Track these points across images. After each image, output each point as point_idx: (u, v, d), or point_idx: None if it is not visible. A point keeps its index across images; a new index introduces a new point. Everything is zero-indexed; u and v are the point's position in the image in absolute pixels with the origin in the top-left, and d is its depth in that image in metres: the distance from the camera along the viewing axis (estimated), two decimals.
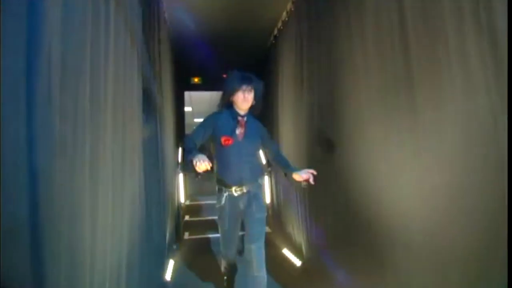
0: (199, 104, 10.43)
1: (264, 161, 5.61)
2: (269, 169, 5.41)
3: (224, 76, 7.17)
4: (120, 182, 1.72)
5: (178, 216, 5.04)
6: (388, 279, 2.05)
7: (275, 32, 4.92)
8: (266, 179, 5.49)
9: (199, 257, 4.48)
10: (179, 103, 6.56)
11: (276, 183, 4.97)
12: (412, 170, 1.81)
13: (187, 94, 7.88)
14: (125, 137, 1.86)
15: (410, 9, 1.78)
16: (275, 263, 4.09)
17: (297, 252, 3.86)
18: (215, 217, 5.13)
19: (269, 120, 5.39)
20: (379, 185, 2.16)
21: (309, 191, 3.34)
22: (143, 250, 2.35)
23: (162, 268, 3.40)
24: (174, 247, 4.84)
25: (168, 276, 3.55)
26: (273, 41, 5.12)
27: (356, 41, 2.41)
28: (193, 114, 11.60)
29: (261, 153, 5.76)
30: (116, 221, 1.59)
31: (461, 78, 1.47)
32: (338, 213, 2.75)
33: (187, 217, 5.33)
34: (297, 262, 3.72)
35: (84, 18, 1.31)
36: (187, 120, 8.03)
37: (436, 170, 1.63)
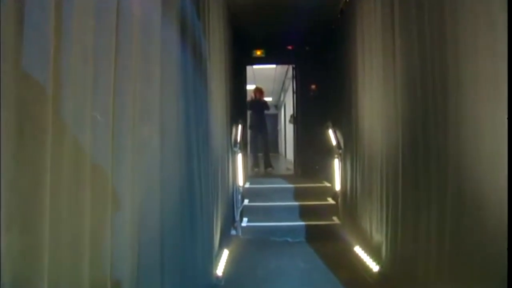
0: (263, 81, 9.94)
1: (334, 142, 4.89)
2: (340, 151, 4.69)
3: (290, 48, 6.50)
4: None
5: (235, 200, 4.61)
6: None
7: None
8: (336, 163, 4.78)
9: (258, 248, 4.01)
10: (240, 79, 5.99)
11: (352, 168, 4.19)
12: None
13: (250, 71, 7.33)
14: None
15: None
16: (346, 261, 3.45)
17: (373, 253, 3.15)
18: (279, 203, 4.73)
19: (345, 92, 4.62)
20: None
21: (402, 184, 2.56)
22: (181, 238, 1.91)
23: (211, 262, 2.96)
24: (233, 232, 4.45)
25: (220, 270, 3.12)
26: (347, 0, 4.28)
27: None
28: None
29: (331, 132, 5.06)
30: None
31: None
32: (445, 217, 1.97)
33: (246, 202, 4.88)
34: (374, 267, 3.02)
35: None
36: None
37: None
